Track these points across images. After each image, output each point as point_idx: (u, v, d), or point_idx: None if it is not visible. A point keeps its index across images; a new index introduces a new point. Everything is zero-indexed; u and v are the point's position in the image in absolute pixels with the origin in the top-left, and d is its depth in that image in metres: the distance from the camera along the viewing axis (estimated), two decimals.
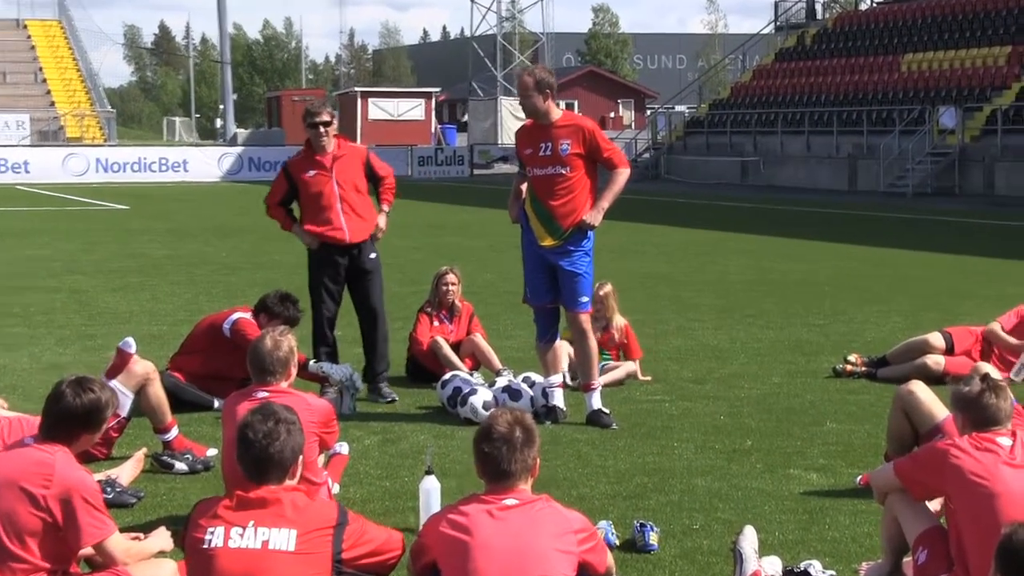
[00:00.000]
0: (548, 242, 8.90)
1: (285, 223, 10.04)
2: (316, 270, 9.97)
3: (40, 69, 57.53)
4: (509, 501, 4.67)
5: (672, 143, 51.00)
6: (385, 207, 10.08)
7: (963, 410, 5.30)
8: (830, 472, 7.64)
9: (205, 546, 4.64)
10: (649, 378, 10.54)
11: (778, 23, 55.50)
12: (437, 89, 68.92)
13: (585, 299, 8.99)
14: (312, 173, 9.78)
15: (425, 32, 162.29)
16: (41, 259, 19.76)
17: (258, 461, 4.71)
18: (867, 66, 45.92)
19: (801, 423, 8.94)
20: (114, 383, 7.82)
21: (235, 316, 9.50)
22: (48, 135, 52.42)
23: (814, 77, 47.58)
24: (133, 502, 7.03)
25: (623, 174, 9.00)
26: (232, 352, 9.33)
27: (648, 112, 76.65)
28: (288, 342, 6.42)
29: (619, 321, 10.65)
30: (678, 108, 59.73)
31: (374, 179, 9.98)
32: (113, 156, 46.96)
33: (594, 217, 8.85)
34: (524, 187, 9.11)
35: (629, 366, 10.50)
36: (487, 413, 8.89)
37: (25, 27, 60.44)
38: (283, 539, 4.62)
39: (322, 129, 9.71)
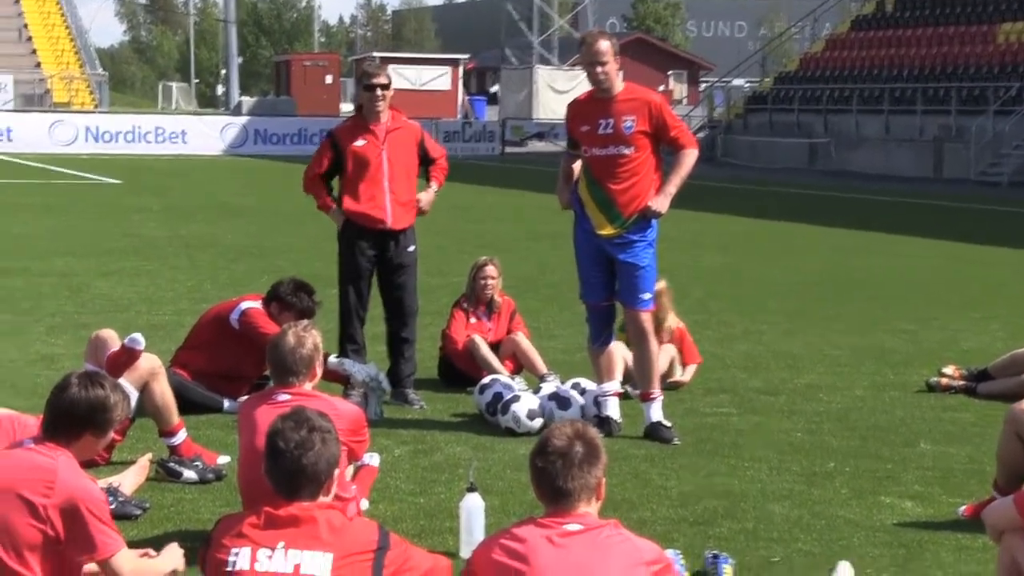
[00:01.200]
0: (607, 231, 8.82)
1: (323, 201, 9.86)
2: (348, 257, 9.88)
3: (25, 26, 57.74)
4: (571, 526, 4.60)
5: (731, 121, 50.80)
6: (435, 185, 9.99)
7: None
8: (927, 501, 7.55)
9: (229, 568, 4.61)
10: (685, 379, 10.42)
11: None
12: (465, 56, 68.82)
13: (647, 296, 8.91)
14: (362, 143, 9.67)
15: None
16: (25, 238, 19.84)
17: (289, 474, 4.66)
18: (957, 36, 45.61)
19: (891, 443, 8.86)
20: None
21: (244, 306, 9.48)
22: (33, 99, 52.58)
23: (895, 48, 47.32)
24: (137, 514, 7.02)
25: (691, 155, 8.93)
26: (242, 346, 9.32)
27: (703, 86, 76.49)
28: (312, 338, 6.39)
29: (673, 323, 10.56)
30: (737, 82, 59.47)
31: (426, 161, 9.92)
32: (104, 124, 47.12)
33: (660, 203, 8.77)
34: (576, 167, 9.04)
35: (670, 349, 10.39)
36: (531, 423, 8.90)
37: None
38: (317, 564, 4.57)
39: (379, 92, 9.62)
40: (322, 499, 4.72)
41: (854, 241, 22.29)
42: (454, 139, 51.28)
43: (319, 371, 6.48)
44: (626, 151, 8.77)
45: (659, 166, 8.91)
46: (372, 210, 9.69)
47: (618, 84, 8.87)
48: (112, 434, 5.37)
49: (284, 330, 6.44)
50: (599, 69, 8.73)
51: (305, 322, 6.61)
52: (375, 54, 68.52)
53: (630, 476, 8.00)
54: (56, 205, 25.66)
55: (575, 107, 9.09)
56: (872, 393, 10.41)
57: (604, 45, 8.73)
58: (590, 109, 8.91)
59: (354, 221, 9.76)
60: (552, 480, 4.60)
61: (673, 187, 8.81)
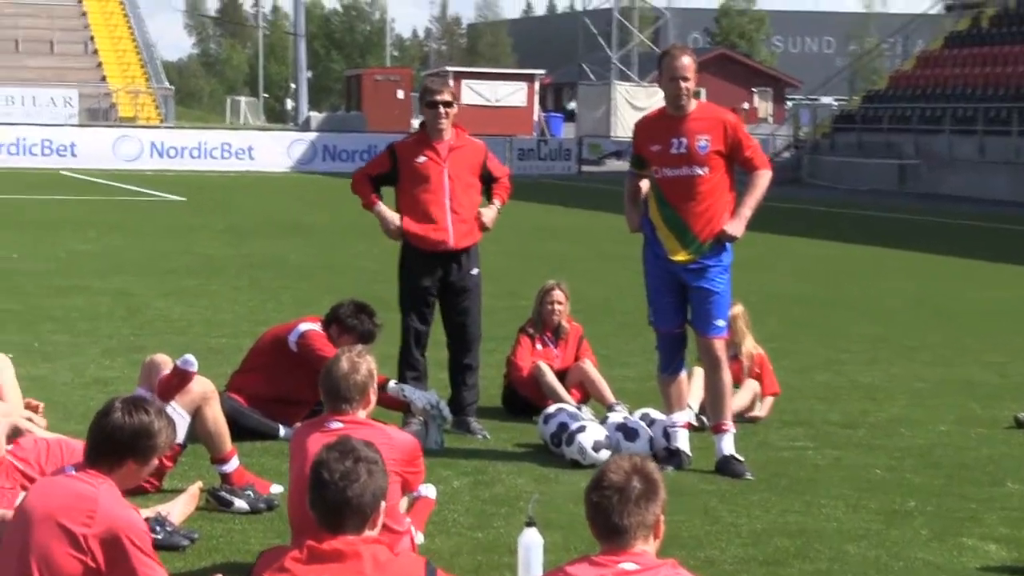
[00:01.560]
0: (681, 257, 8.77)
1: (368, 199, 9.81)
2: (409, 279, 9.87)
3: (91, 39, 58.60)
4: (627, 565, 4.56)
5: (817, 141, 50.49)
6: (497, 202, 9.96)
7: None
8: (1013, 544, 7.41)
9: None
10: (762, 414, 10.33)
11: (948, 1, 54.74)
12: (541, 71, 68.97)
13: (721, 323, 8.87)
14: (423, 160, 9.68)
15: (528, 4, 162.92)
16: (86, 256, 20.08)
17: (334, 506, 4.65)
18: None
19: (976, 482, 8.73)
20: (170, 405, 7.85)
21: (302, 328, 9.51)
22: (98, 114, 53.33)
23: (991, 67, 46.82)
24: (185, 544, 7.02)
25: (766, 176, 8.90)
26: (300, 370, 9.34)
27: (789, 104, 76.14)
28: (367, 364, 6.40)
29: (751, 348, 10.50)
30: (824, 100, 59.20)
31: (488, 180, 9.90)
32: (170, 139, 47.67)
33: (736, 227, 8.72)
34: (644, 187, 9.00)
35: (753, 385, 10.34)
36: (596, 455, 8.84)
37: None
38: None
39: (442, 110, 9.62)
40: (368, 533, 4.71)
41: (943, 267, 22.06)
42: (529, 157, 51.34)
43: (373, 398, 6.48)
44: (700, 171, 8.72)
45: (733, 186, 8.86)
46: (434, 232, 9.68)
47: (693, 102, 8.85)
48: (156, 462, 5.39)
49: (337, 355, 6.45)
50: (683, 85, 8.69)
51: (359, 347, 6.62)
52: (448, 68, 68.77)
53: (699, 512, 7.92)
54: (118, 223, 25.94)
55: (644, 125, 9.07)
56: (957, 428, 10.27)
57: (688, 60, 8.72)
58: (661, 127, 8.87)
59: (415, 244, 9.76)
60: (607, 516, 4.56)
61: (748, 210, 8.77)
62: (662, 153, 8.80)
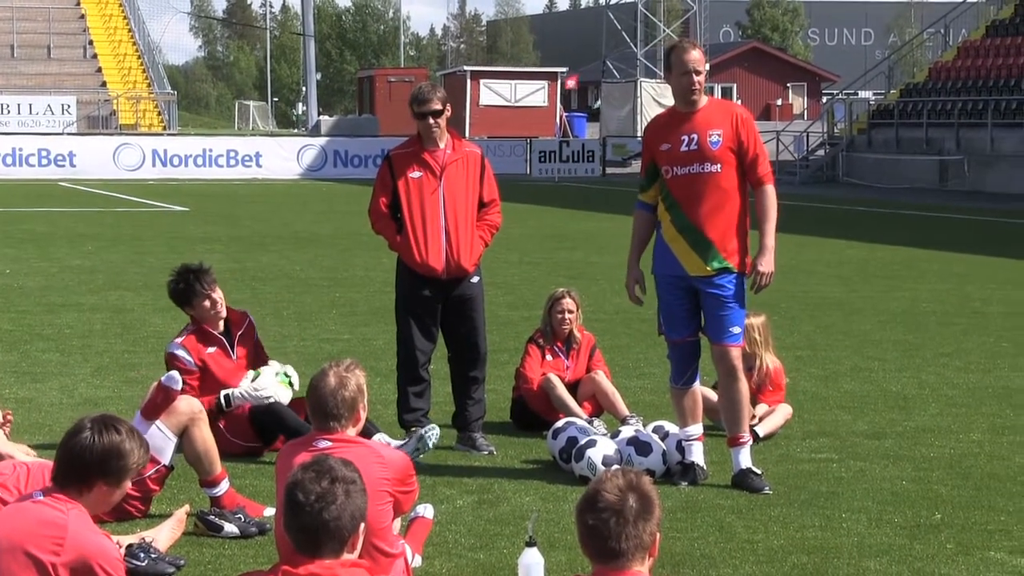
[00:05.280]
0: (702, 271, 8.73)
1: (394, 240, 9.76)
2: (406, 299, 9.81)
3: (90, 43, 58.85)
4: None
5: (853, 137, 50.40)
6: (479, 245, 9.83)
7: None
8: None
9: None
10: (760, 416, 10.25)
11: None
12: (563, 69, 69.06)
13: (736, 330, 8.85)
14: (417, 175, 9.63)
15: (551, 0, 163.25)
16: (81, 271, 20.18)
17: (309, 529, 4.65)
18: None
19: (1007, 493, 8.69)
20: (155, 425, 7.90)
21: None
22: (98, 121, 53.61)
23: None
24: (171, 572, 7.05)
25: (773, 194, 8.86)
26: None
27: (825, 99, 76.03)
28: (356, 379, 6.43)
29: (769, 363, 10.39)
30: (862, 94, 59.12)
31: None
32: (173, 147, 47.90)
33: (766, 264, 8.72)
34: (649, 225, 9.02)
35: (786, 408, 10.29)
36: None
37: None
38: None
39: (431, 121, 9.58)
40: (346, 556, 4.70)
41: (982, 268, 21.97)
42: (551, 159, 51.33)
43: (363, 415, 6.50)
44: (711, 168, 8.70)
45: (747, 191, 8.79)
46: (427, 259, 9.60)
47: (704, 98, 8.87)
48: (127, 485, 5.39)
49: (324, 371, 6.46)
50: (695, 79, 8.72)
51: (348, 361, 6.61)
52: (465, 68, 68.90)
53: (713, 528, 7.93)
54: (117, 235, 26.06)
55: (653, 126, 9.07)
56: (990, 437, 10.23)
57: (697, 54, 8.80)
58: (672, 125, 8.89)
59: (407, 265, 9.75)
60: (604, 540, 4.56)
61: (771, 239, 8.75)
62: (672, 152, 8.80)
